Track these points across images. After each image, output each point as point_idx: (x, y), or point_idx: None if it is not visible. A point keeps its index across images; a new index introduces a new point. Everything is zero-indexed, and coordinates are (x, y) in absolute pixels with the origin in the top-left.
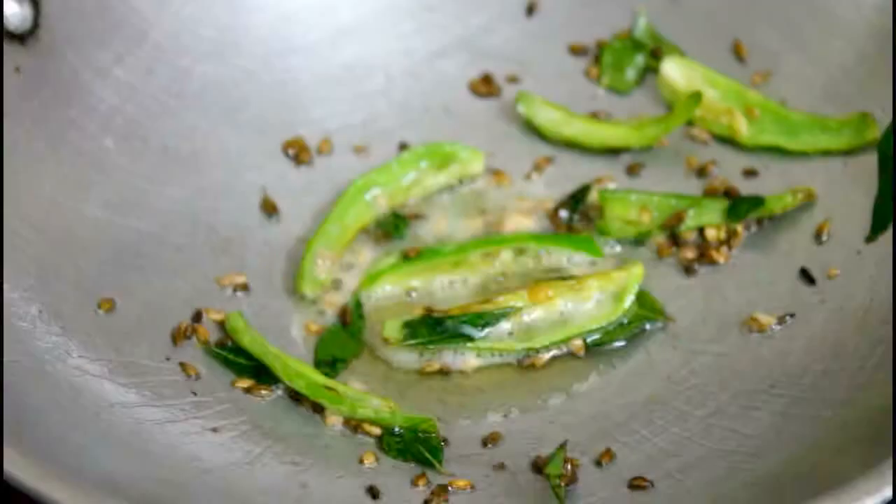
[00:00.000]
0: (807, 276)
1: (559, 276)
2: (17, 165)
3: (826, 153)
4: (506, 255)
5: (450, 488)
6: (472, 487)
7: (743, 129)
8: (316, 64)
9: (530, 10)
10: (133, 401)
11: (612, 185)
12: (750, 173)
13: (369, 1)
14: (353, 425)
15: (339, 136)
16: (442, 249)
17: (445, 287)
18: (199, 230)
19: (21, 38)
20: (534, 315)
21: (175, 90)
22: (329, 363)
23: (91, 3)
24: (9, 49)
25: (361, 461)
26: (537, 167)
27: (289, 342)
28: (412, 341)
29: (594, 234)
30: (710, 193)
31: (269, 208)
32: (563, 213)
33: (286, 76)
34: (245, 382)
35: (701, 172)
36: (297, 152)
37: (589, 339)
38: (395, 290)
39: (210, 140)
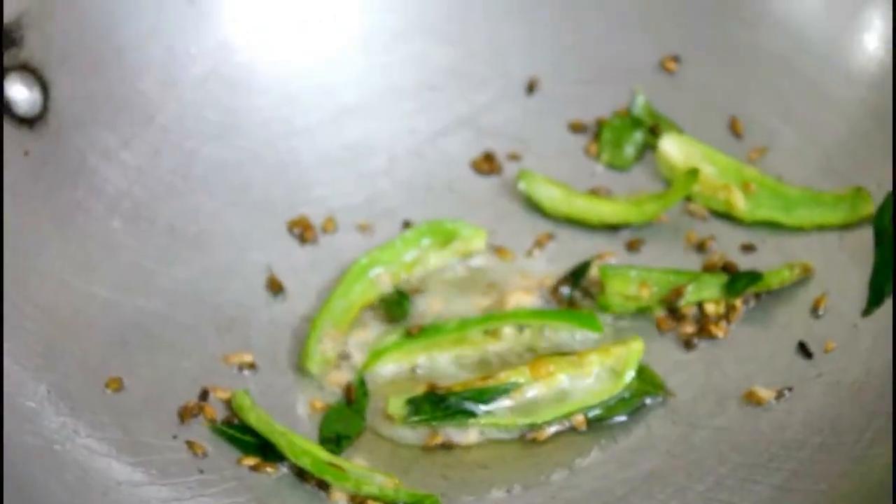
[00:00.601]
0: (804, 350)
1: (560, 352)
2: (24, 246)
3: (822, 227)
4: (508, 332)
5: None
6: None
7: (740, 204)
8: (319, 144)
9: (531, 89)
10: (140, 479)
11: (612, 261)
12: (748, 248)
13: (371, 81)
14: (358, 502)
15: (343, 214)
16: (444, 326)
17: (448, 363)
18: (206, 309)
19: (30, 122)
20: (535, 390)
21: (181, 172)
22: (334, 440)
23: (98, 88)
24: (18, 133)
25: None
26: (538, 243)
27: (294, 419)
28: (415, 418)
29: (595, 310)
30: (708, 268)
31: (275, 287)
32: (565, 289)
33: (290, 157)
34: (251, 460)
35: (700, 248)
36: (302, 231)
37: (590, 414)
38: (398, 367)
39: (216, 220)
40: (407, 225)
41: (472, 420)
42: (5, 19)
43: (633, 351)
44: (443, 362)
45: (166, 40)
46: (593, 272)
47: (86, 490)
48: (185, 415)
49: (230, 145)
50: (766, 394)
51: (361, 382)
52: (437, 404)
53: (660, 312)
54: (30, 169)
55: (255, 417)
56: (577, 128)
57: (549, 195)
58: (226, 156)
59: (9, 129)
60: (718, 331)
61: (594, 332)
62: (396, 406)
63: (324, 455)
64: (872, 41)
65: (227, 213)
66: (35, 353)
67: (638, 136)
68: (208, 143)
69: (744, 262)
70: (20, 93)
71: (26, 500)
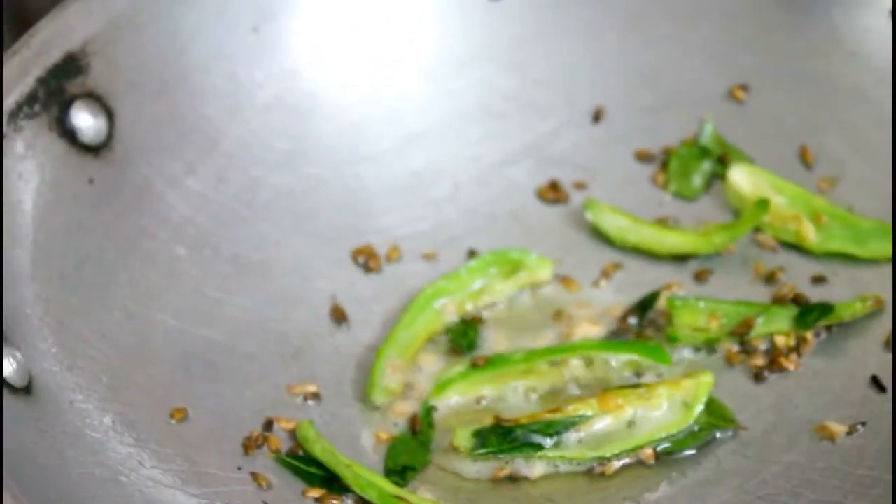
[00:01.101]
0: (877, 384)
1: (629, 385)
2: (89, 276)
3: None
4: (575, 364)
5: None
6: None
7: (811, 235)
8: (384, 172)
9: (597, 118)
10: None
11: (680, 292)
12: (818, 280)
13: (436, 109)
14: None
15: (408, 243)
16: (511, 357)
17: (515, 395)
18: (269, 338)
19: (95, 149)
20: (604, 423)
21: (246, 199)
22: (399, 472)
23: (163, 114)
24: (83, 161)
25: None
26: (605, 274)
27: (359, 451)
28: (482, 450)
29: (663, 342)
30: (778, 300)
31: (339, 316)
32: (632, 320)
33: (355, 184)
34: (316, 492)
35: (769, 279)
36: (367, 260)
37: (659, 448)
38: (464, 399)
39: (280, 248)
40: (472, 254)
41: (539, 453)
42: (70, 47)
43: (703, 384)
44: (509, 394)
45: (231, 67)
46: (661, 303)
47: None
48: (249, 446)
49: (295, 173)
50: (838, 428)
51: (427, 413)
52: (503, 436)
53: (729, 345)
54: (94, 197)
55: (321, 449)
56: (643, 157)
57: (616, 225)
58: (291, 183)
59: (74, 157)
60: (789, 364)
61: (663, 365)
62: (463, 438)
63: (390, 488)
64: None
65: (292, 241)
66: (100, 384)
67: (706, 165)
68: (273, 170)
69: (814, 295)
70: (86, 121)
71: None
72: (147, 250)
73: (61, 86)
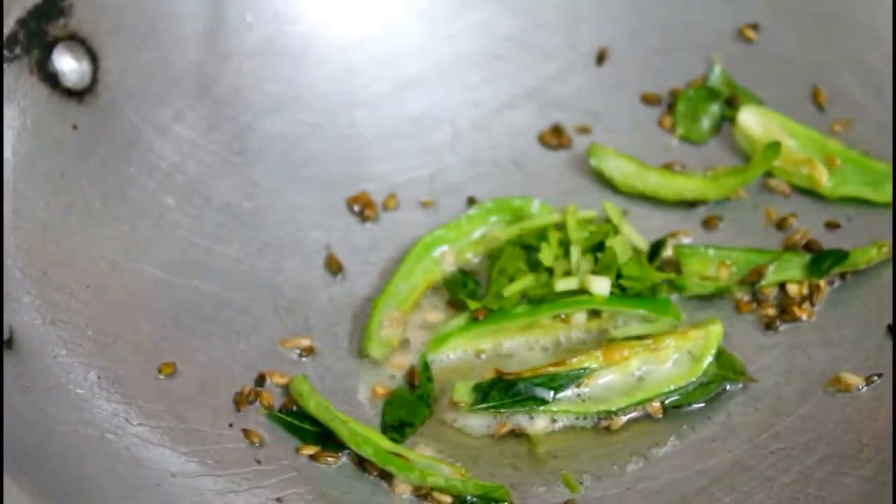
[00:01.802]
0: (894, 333)
1: (635, 335)
2: (74, 225)
3: None
4: (579, 317)
5: None
6: None
7: (824, 179)
8: (381, 117)
9: (601, 59)
10: (195, 470)
11: (687, 240)
12: (832, 226)
13: (435, 52)
14: (423, 493)
15: (406, 191)
16: (513, 311)
17: (516, 349)
18: (262, 290)
19: (79, 94)
20: (609, 376)
21: (237, 146)
22: (397, 428)
23: (151, 59)
24: (66, 106)
25: None
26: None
27: (355, 406)
28: (483, 405)
29: (671, 291)
30: (790, 247)
31: (334, 267)
32: None
33: (351, 131)
34: (310, 449)
35: (780, 225)
36: (363, 208)
37: (667, 401)
38: (463, 353)
39: (273, 197)
40: (472, 202)
41: (542, 407)
42: None
43: (712, 334)
44: (510, 348)
45: (220, 10)
46: (668, 251)
47: (139, 481)
48: (240, 401)
49: (288, 119)
50: (853, 380)
51: (425, 366)
52: (505, 391)
53: (739, 294)
54: (78, 144)
55: (315, 404)
56: (650, 100)
57: (621, 170)
58: (284, 130)
59: (57, 102)
60: (802, 313)
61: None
62: (463, 392)
63: (387, 444)
64: None
65: (285, 190)
66: (85, 338)
67: (714, 108)
68: (265, 116)
69: (828, 241)
70: (68, 64)
71: (78, 492)
72: (134, 200)
73: (43, 28)
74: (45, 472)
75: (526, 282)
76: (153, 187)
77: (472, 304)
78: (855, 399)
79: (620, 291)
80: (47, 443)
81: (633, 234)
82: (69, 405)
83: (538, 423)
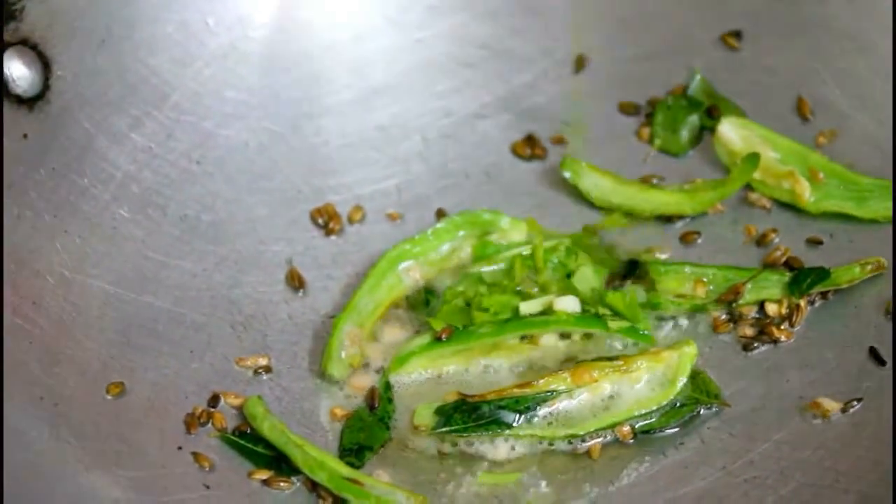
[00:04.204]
0: (876, 357)
1: (605, 357)
2: (20, 239)
3: None
4: (548, 339)
5: None
6: None
7: (806, 194)
8: (347, 126)
9: (578, 67)
10: (138, 497)
11: (664, 256)
12: (814, 242)
13: (404, 59)
14: None
15: (372, 202)
16: (477, 331)
17: (481, 371)
18: (219, 306)
19: (30, 102)
20: (577, 399)
21: (196, 156)
22: (355, 451)
23: (107, 65)
24: (16, 114)
25: None
26: None
27: (313, 428)
28: (445, 429)
29: (645, 309)
30: (770, 265)
31: (296, 282)
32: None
33: (316, 140)
34: (263, 474)
35: (761, 241)
36: (327, 221)
37: (637, 425)
38: (426, 374)
39: (233, 208)
40: (441, 215)
41: (508, 431)
42: None
43: (686, 355)
44: (475, 370)
45: (181, 13)
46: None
47: None
48: (192, 423)
49: (250, 127)
50: (832, 405)
51: (386, 388)
52: (468, 414)
53: (716, 313)
54: (29, 153)
55: (269, 426)
56: (627, 109)
57: (596, 184)
58: (246, 138)
59: (6, 110)
60: (781, 334)
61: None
62: (424, 416)
63: (343, 469)
64: None
65: (246, 201)
66: (29, 356)
67: (694, 118)
68: (226, 124)
69: (809, 258)
70: (18, 70)
71: None
72: (86, 211)
73: None
74: None
75: (494, 304)
76: (106, 198)
77: (436, 324)
78: (833, 426)
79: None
80: None
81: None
82: (7, 427)
83: (499, 450)
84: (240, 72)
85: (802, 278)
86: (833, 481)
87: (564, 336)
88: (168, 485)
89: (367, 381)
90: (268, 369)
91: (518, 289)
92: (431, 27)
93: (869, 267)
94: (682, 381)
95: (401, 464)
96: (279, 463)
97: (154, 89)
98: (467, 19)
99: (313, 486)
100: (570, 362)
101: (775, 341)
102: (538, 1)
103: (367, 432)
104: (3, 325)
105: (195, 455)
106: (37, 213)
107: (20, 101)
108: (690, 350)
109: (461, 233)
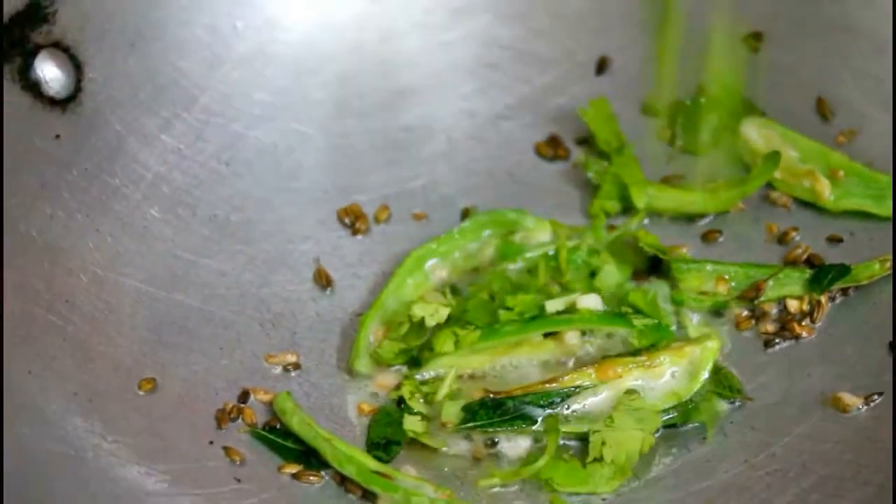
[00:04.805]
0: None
1: (629, 352)
2: (53, 238)
3: None
4: (571, 335)
5: None
6: None
7: (826, 192)
8: (373, 127)
9: (600, 69)
10: (172, 490)
11: (687, 253)
12: (834, 240)
13: (429, 61)
14: None
15: (398, 202)
16: (502, 329)
17: (507, 369)
18: (248, 304)
19: (62, 103)
20: (602, 394)
21: (225, 157)
22: (382, 446)
23: (137, 67)
24: (49, 115)
25: None
26: None
27: (342, 423)
28: (471, 424)
29: (669, 306)
30: (791, 262)
31: (323, 280)
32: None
33: (342, 141)
34: (293, 468)
35: (782, 239)
36: (354, 220)
37: (661, 420)
38: (452, 371)
39: (261, 209)
40: (466, 214)
41: (533, 427)
42: None
43: (709, 351)
44: (500, 367)
45: (210, 16)
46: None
47: (113, 501)
48: (222, 419)
49: (278, 129)
50: (852, 400)
51: (413, 385)
52: (494, 410)
53: (738, 310)
54: (61, 154)
55: (298, 421)
56: (649, 110)
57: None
58: (274, 140)
59: (39, 111)
60: (802, 330)
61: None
62: (451, 412)
63: (371, 463)
64: None
65: (274, 201)
66: (63, 352)
67: (715, 119)
68: (255, 125)
69: (830, 256)
70: (52, 72)
71: None
72: (117, 211)
73: (25, 34)
74: (14, 493)
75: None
76: (137, 198)
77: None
78: (854, 419)
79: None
80: (17, 462)
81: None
82: (42, 422)
83: (520, 446)
84: (268, 74)
85: (823, 275)
86: (854, 473)
87: (588, 333)
88: (200, 478)
89: (393, 378)
90: (296, 366)
91: (542, 287)
92: (456, 29)
93: (888, 263)
94: (705, 375)
95: (427, 459)
96: (308, 457)
97: (184, 91)
98: (491, 21)
99: (342, 480)
100: (595, 359)
101: (797, 337)
102: (561, 3)
103: (394, 427)
104: (3, 326)
105: (226, 449)
106: (69, 212)
107: (53, 102)
108: (713, 345)
109: (486, 232)
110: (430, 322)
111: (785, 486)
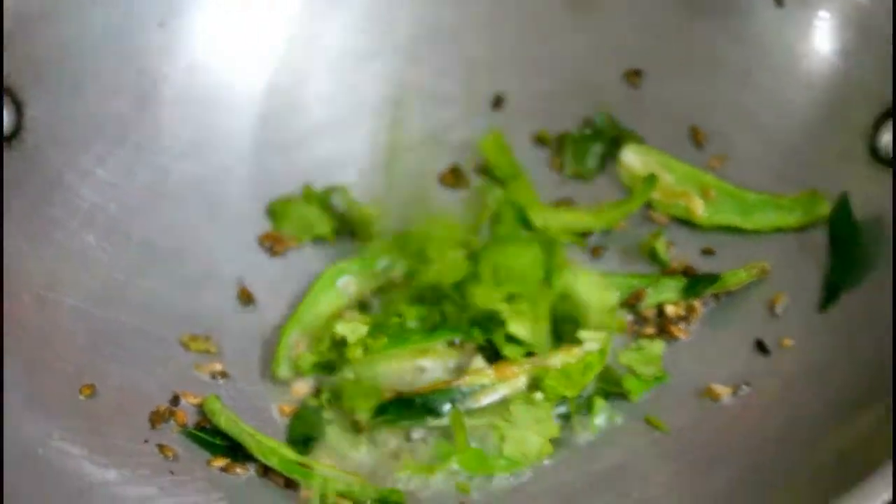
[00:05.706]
0: (761, 347)
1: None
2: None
3: (779, 230)
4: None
5: None
6: None
7: (699, 210)
8: (289, 161)
9: (497, 104)
10: (113, 480)
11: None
12: (707, 252)
13: (341, 100)
14: (326, 500)
15: None
16: (409, 338)
17: (413, 372)
18: (178, 320)
19: (6, 140)
20: (500, 391)
21: (156, 188)
22: (301, 441)
23: (74, 108)
24: None
25: None
26: None
27: (265, 422)
28: (381, 417)
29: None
30: (669, 273)
31: (246, 298)
32: None
33: (261, 173)
34: (221, 461)
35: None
36: (273, 244)
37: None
38: (363, 375)
39: (189, 234)
40: (374, 237)
41: (439, 421)
42: None
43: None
44: (407, 371)
45: (140, 62)
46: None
47: (62, 491)
48: (156, 419)
49: (203, 162)
50: (722, 390)
51: (328, 388)
52: (403, 406)
53: (622, 315)
54: (5, 188)
55: (226, 420)
56: (541, 140)
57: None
58: (199, 172)
59: None
60: (679, 332)
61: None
62: (364, 409)
63: (291, 455)
64: (824, 46)
65: (201, 228)
66: (12, 364)
67: (599, 147)
68: (182, 159)
69: (704, 267)
70: None
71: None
72: (57, 239)
73: None
74: None
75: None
76: (75, 226)
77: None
78: (724, 408)
79: None
80: None
81: None
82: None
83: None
84: (192, 113)
85: (697, 283)
86: (725, 454)
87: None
88: (137, 471)
89: (308, 386)
90: (223, 374)
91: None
92: (365, 71)
93: (754, 271)
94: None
95: (345, 456)
96: (235, 452)
97: (116, 129)
98: (397, 63)
99: (265, 472)
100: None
101: (674, 338)
102: (460, 46)
103: (311, 425)
104: (3, 331)
105: (160, 447)
106: (15, 240)
107: None
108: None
109: (394, 253)
110: (352, 339)
111: (663, 465)
